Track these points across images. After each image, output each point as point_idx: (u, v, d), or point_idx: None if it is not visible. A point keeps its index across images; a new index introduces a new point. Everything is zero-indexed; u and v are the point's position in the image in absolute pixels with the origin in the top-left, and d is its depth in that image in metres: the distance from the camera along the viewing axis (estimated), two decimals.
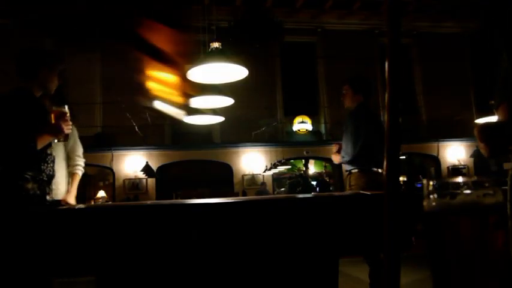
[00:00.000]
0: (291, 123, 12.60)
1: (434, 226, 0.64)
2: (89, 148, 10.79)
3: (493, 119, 1.92)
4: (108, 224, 1.79)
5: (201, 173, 12.35)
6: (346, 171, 3.18)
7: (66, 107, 2.08)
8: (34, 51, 2.24)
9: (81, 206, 1.91)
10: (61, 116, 2.04)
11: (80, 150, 2.95)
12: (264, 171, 11.69)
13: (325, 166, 14.63)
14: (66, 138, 2.14)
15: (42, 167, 2.13)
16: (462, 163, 12.68)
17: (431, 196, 0.63)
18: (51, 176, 2.18)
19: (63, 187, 2.75)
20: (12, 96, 2.11)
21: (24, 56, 2.20)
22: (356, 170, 3.04)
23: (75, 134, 2.87)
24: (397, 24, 0.80)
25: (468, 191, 0.60)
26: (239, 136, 11.86)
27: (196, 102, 4.20)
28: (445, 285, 0.64)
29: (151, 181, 11.28)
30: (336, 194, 4.08)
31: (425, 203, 0.64)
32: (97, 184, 12.44)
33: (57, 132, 2.05)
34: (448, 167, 12.82)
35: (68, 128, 2.07)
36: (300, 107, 12.72)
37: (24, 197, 1.96)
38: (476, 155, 11.70)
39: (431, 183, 0.65)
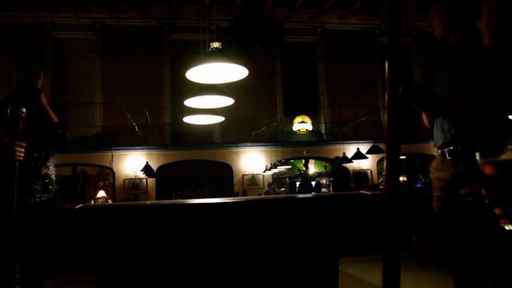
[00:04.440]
0: (291, 123, 12.60)
1: None
2: (89, 148, 10.89)
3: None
4: (108, 224, 1.79)
5: (201, 173, 12.36)
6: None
7: (24, 109, 1.94)
8: (23, 56, 2.22)
9: (81, 205, 1.91)
10: (9, 117, 1.93)
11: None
12: (264, 171, 11.69)
13: (325, 166, 14.63)
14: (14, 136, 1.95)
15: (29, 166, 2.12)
16: None
17: None
18: (33, 177, 2.15)
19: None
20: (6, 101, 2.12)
21: (15, 62, 2.20)
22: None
23: None
24: (397, 24, 0.80)
25: None
26: (239, 136, 11.87)
27: (196, 102, 4.20)
28: None
29: (151, 181, 11.28)
30: (337, 194, 4.08)
31: None
32: (97, 184, 12.43)
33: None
34: None
35: (14, 128, 1.94)
36: (300, 107, 12.72)
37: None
38: None
39: None
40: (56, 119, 2.21)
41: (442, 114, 1.81)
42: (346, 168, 9.50)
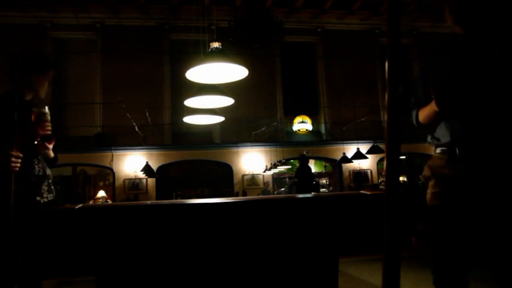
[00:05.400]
0: (291, 123, 12.60)
1: None
2: (89, 148, 10.90)
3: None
4: (108, 224, 1.79)
5: (201, 173, 12.36)
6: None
7: (47, 108, 2.01)
8: (24, 55, 2.21)
9: (81, 206, 1.91)
10: (39, 118, 1.99)
11: None
12: (264, 171, 11.69)
13: (325, 166, 14.63)
14: (46, 139, 2.05)
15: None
16: None
17: None
18: (41, 177, 2.15)
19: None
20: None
21: (14, 59, 2.18)
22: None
23: None
24: (397, 24, 0.80)
25: None
26: (239, 136, 11.86)
27: (196, 102, 4.20)
28: None
29: (151, 181, 11.28)
30: (337, 194, 4.08)
31: None
32: (97, 184, 12.43)
33: (30, 134, 2.00)
34: None
35: (46, 129, 2.01)
36: (300, 107, 12.73)
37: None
38: None
39: None
40: (53, 155, 2.26)
41: (452, 111, 1.67)
42: (309, 169, 9.01)
